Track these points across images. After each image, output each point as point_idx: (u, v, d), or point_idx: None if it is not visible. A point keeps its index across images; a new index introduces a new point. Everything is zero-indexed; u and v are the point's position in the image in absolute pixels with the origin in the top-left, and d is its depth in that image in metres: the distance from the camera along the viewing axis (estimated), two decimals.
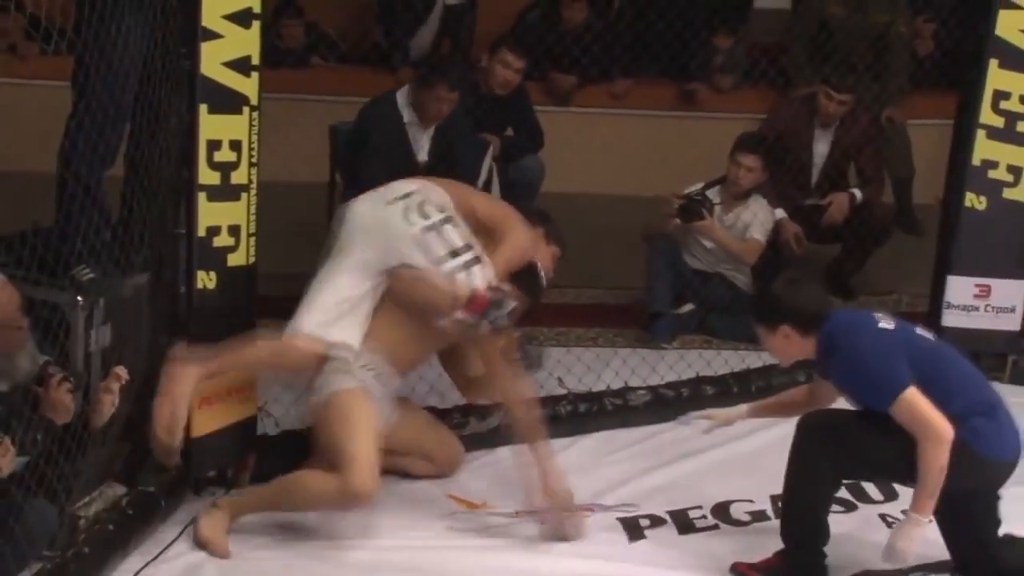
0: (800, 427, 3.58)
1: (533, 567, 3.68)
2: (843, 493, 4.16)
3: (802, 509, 3.60)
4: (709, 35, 7.20)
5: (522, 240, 4.04)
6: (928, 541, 3.58)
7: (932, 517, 3.47)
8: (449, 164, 5.44)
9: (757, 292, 3.81)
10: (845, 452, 3.51)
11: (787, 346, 3.59)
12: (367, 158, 5.24)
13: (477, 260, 3.90)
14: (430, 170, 5.26)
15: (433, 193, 4.02)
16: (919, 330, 3.63)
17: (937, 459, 3.39)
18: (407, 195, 3.98)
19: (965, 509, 3.55)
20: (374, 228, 3.89)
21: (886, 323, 3.55)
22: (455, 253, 3.89)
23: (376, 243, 3.87)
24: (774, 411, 3.99)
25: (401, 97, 5.33)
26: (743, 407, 4.00)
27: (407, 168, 5.23)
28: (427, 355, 4.12)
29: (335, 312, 3.81)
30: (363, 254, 3.86)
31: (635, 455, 4.44)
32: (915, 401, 3.40)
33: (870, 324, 3.54)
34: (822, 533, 3.61)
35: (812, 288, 3.68)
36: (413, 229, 3.87)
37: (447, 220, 3.94)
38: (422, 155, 5.33)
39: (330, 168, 5.62)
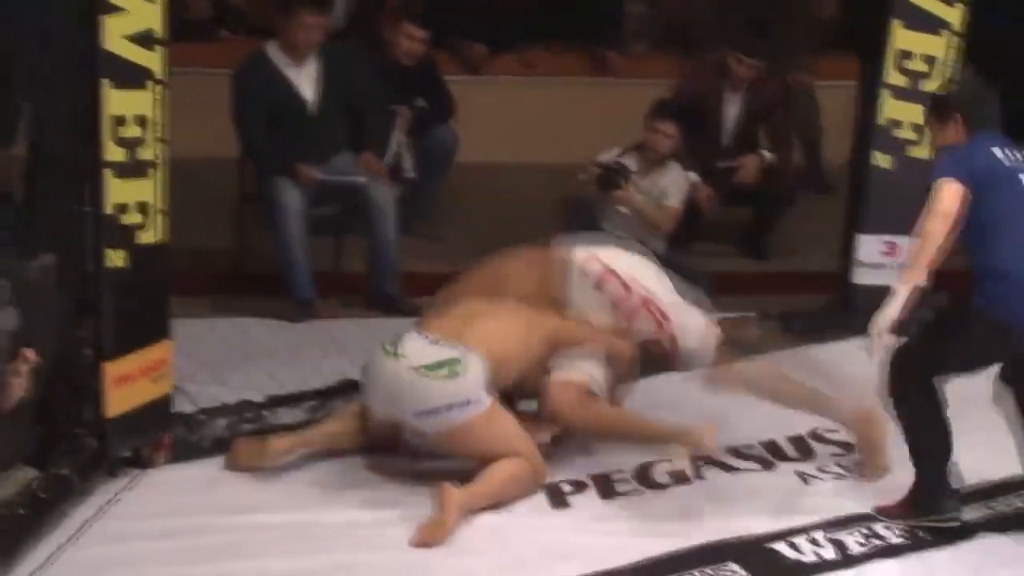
0: (889, 370, 3.71)
1: (465, 536, 3.67)
2: (761, 452, 4.24)
3: (920, 441, 3.72)
4: (620, 1, 7.22)
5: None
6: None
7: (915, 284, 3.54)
8: (357, 138, 5.44)
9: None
10: (929, 372, 3.67)
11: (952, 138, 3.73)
12: (246, 111, 5.22)
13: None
14: (322, 113, 5.26)
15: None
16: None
17: (930, 225, 3.53)
18: None
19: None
20: None
21: (1007, 152, 3.67)
22: None
23: None
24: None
25: (271, 48, 5.30)
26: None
27: (293, 109, 5.23)
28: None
29: None
30: None
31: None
32: (945, 188, 3.54)
33: (987, 139, 3.69)
34: (945, 453, 3.72)
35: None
36: None
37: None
38: (306, 93, 5.30)
39: (240, 142, 5.56)
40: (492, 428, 3.77)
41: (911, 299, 3.53)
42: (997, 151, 3.67)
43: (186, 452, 4.02)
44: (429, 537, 3.58)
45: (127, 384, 3.80)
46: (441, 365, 3.73)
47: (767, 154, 6.09)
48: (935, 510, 3.74)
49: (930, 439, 3.73)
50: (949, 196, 3.55)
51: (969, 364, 3.69)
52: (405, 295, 5.30)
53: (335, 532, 3.65)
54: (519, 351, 3.90)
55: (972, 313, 3.60)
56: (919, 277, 3.54)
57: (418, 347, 3.80)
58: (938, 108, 3.82)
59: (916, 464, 3.76)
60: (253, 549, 3.54)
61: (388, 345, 3.84)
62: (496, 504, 3.74)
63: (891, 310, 3.52)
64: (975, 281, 3.59)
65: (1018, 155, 3.68)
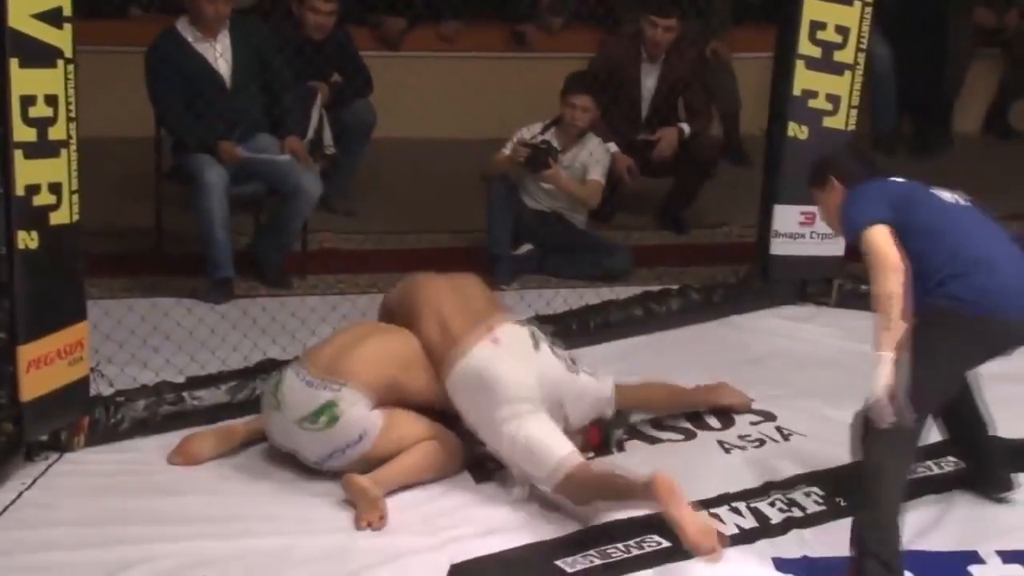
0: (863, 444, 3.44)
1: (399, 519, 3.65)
2: (682, 422, 4.28)
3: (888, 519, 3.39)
4: None
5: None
6: None
7: (895, 353, 3.32)
8: (275, 119, 5.39)
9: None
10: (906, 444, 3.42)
11: (834, 199, 3.66)
12: (162, 89, 5.17)
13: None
14: (238, 88, 5.21)
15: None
16: (940, 191, 3.62)
17: (884, 286, 3.36)
18: None
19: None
20: None
21: (901, 178, 3.67)
22: None
23: None
24: None
25: (181, 24, 5.25)
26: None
27: (210, 85, 5.18)
28: None
29: None
30: None
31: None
32: (874, 236, 3.44)
33: (881, 180, 3.66)
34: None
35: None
36: None
37: None
38: (221, 68, 5.26)
39: (156, 121, 5.50)
40: (395, 438, 3.75)
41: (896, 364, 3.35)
42: (894, 179, 3.67)
43: (105, 435, 3.97)
44: (371, 516, 3.57)
45: (43, 367, 3.73)
46: (318, 414, 3.69)
47: (685, 127, 6.13)
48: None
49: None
50: (884, 243, 3.43)
51: (944, 387, 3.53)
52: (320, 271, 5.41)
53: (260, 514, 3.63)
54: (409, 368, 3.82)
55: (940, 325, 3.40)
56: (896, 341, 3.34)
57: (295, 393, 3.75)
58: (815, 177, 3.75)
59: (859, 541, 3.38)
60: (175, 532, 3.51)
61: (271, 394, 3.84)
62: (411, 483, 3.74)
63: (882, 377, 3.31)
64: (928, 300, 3.42)
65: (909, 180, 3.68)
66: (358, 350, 3.80)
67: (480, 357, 3.76)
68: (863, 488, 3.40)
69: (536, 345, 3.86)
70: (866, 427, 3.39)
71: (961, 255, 3.46)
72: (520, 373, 3.75)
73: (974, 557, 3.53)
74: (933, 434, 3.83)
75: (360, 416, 3.71)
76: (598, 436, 4.03)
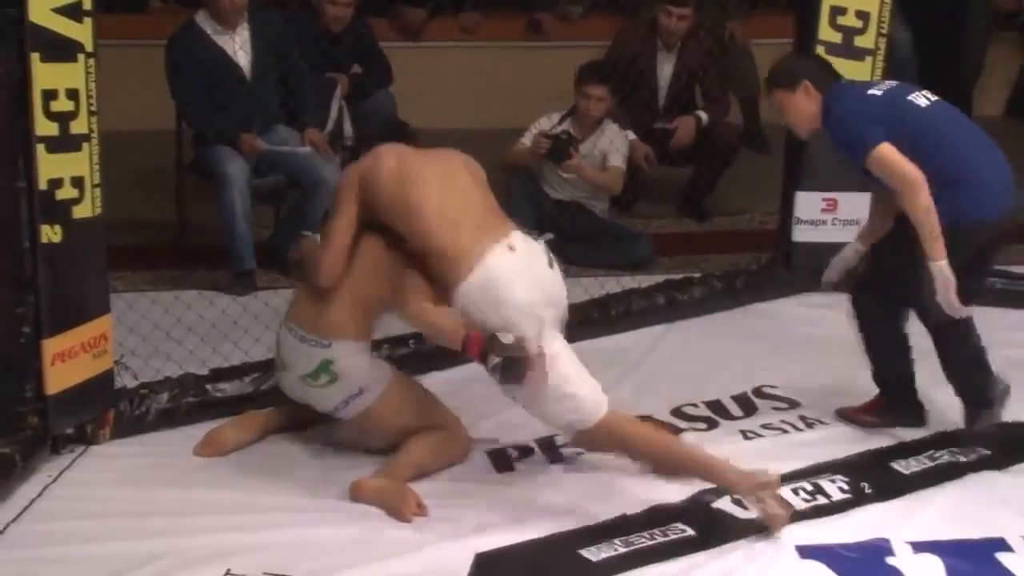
0: (853, 303, 4.01)
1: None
2: (704, 411, 4.27)
3: (887, 363, 4.03)
4: None
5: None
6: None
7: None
8: (293, 111, 5.40)
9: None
10: (893, 303, 3.95)
11: (806, 104, 3.87)
12: (183, 82, 5.18)
13: None
14: (257, 80, 5.22)
15: None
16: (913, 96, 3.85)
17: (918, 202, 3.67)
18: None
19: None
20: None
21: (876, 89, 3.87)
22: None
23: None
24: (873, 235, 4.11)
25: (200, 16, 5.27)
26: (855, 244, 4.14)
27: (230, 77, 5.19)
28: None
29: None
30: None
31: (496, 388, 4.44)
32: (885, 154, 3.70)
33: (856, 90, 3.89)
34: (909, 376, 4.06)
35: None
36: None
37: None
38: (240, 60, 5.28)
39: (177, 114, 5.51)
40: (399, 404, 3.76)
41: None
42: (871, 91, 3.86)
43: (130, 427, 3.99)
44: (408, 504, 3.57)
45: (67, 361, 3.75)
46: (318, 373, 3.71)
47: (703, 115, 6.11)
48: (901, 422, 4.07)
49: (899, 366, 4.04)
50: (899, 160, 3.71)
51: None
52: None
53: (285, 505, 3.64)
54: (389, 278, 3.68)
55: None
56: (943, 247, 3.68)
57: (292, 352, 3.76)
58: (784, 79, 3.91)
59: (882, 387, 4.08)
60: (201, 523, 3.52)
61: (277, 355, 3.87)
62: (420, 475, 3.73)
63: (949, 278, 3.70)
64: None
65: (884, 84, 3.93)
66: (335, 300, 3.70)
67: (497, 265, 3.54)
68: (972, 367, 3.95)
69: (550, 263, 3.70)
70: (953, 325, 3.83)
71: (949, 166, 3.73)
72: (533, 285, 3.58)
73: (1001, 544, 3.51)
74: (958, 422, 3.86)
75: (359, 370, 3.72)
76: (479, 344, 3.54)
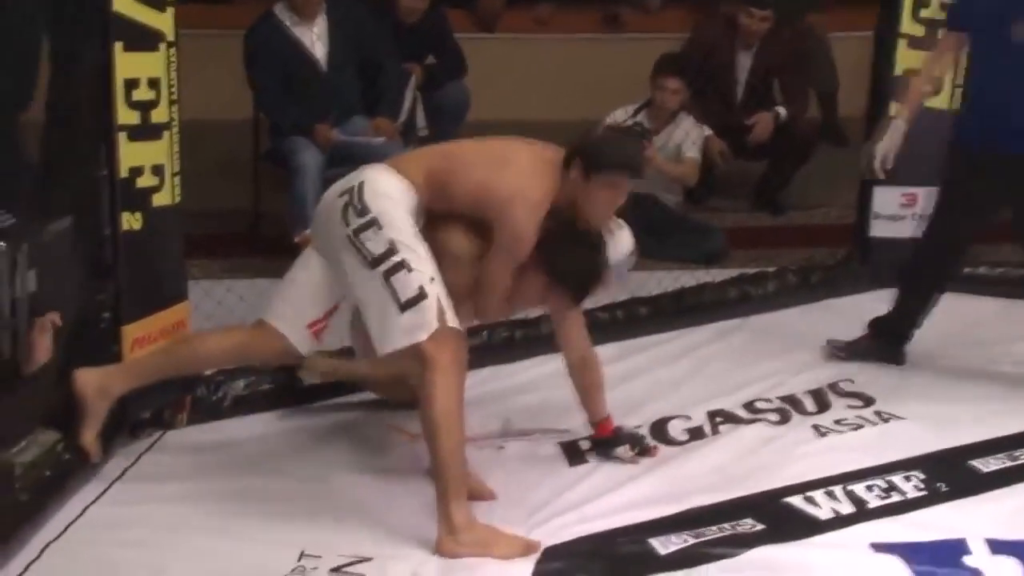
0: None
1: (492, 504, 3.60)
2: (777, 404, 4.24)
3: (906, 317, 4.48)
4: None
5: (508, 238, 3.43)
6: None
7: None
8: (369, 98, 5.44)
9: None
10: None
11: None
12: (260, 72, 5.23)
13: (401, 266, 3.37)
14: (334, 71, 5.26)
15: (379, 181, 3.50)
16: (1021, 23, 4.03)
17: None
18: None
19: None
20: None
21: None
22: (375, 262, 3.38)
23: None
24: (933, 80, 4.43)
25: (279, 8, 5.32)
26: (899, 122, 4.27)
27: (306, 69, 5.23)
28: None
29: None
30: None
31: (571, 378, 4.44)
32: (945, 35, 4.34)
33: None
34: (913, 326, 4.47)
35: None
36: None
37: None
38: (317, 52, 5.32)
39: (254, 104, 5.57)
40: None
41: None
42: None
43: (206, 413, 4.04)
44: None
45: (146, 346, 3.81)
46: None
47: (781, 111, 6.06)
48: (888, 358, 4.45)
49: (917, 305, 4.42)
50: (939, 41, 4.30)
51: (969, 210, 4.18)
52: None
53: (359, 493, 3.65)
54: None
55: (954, 155, 4.19)
56: (907, 108, 4.24)
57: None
58: None
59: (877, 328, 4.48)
60: (273, 509, 3.56)
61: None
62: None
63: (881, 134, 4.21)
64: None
65: None
66: None
67: None
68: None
69: None
70: None
71: (986, 91, 4.08)
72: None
73: None
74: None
75: None
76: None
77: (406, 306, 3.31)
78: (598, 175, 3.47)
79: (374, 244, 3.36)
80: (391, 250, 3.35)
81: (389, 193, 3.44)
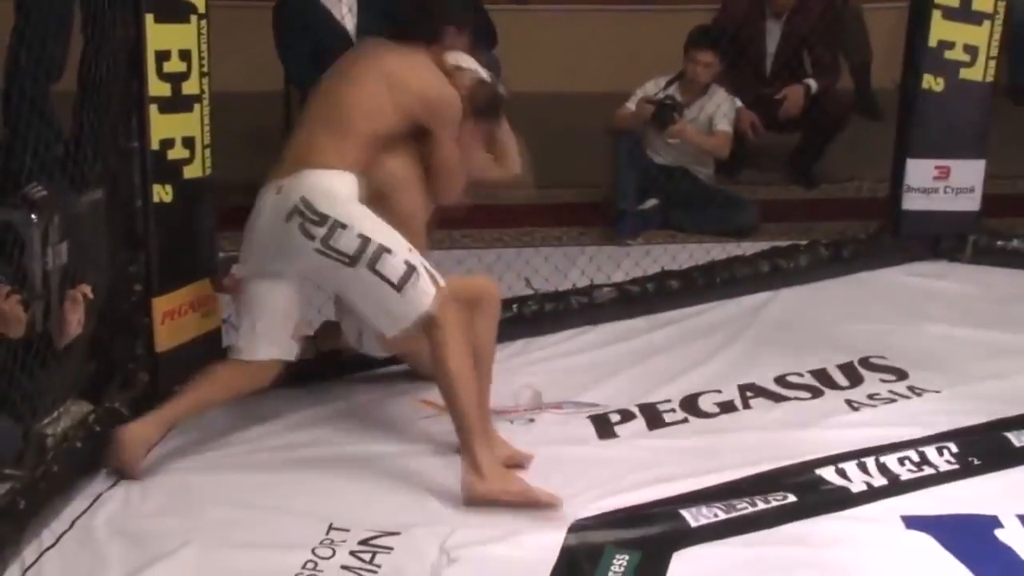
0: None
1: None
2: (809, 380, 4.22)
3: None
4: None
5: (446, 114, 3.75)
6: None
7: None
8: None
9: None
10: None
11: None
12: (290, 44, 5.22)
13: (380, 251, 3.49)
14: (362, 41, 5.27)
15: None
16: None
17: None
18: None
19: None
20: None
21: None
22: (354, 259, 3.49)
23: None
24: None
25: None
26: None
27: (335, 38, 5.23)
28: None
29: None
30: None
31: (602, 352, 4.44)
32: None
33: None
34: None
35: None
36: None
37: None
38: (347, 23, 5.33)
39: (284, 75, 5.56)
40: None
41: None
42: None
43: None
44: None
45: (176, 319, 3.82)
46: None
47: (812, 83, 6.00)
48: None
49: None
50: None
51: None
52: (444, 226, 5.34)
53: (388, 466, 3.65)
54: None
55: None
56: None
57: None
58: None
59: None
60: (303, 481, 3.57)
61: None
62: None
63: None
64: None
65: None
66: None
67: None
68: None
69: None
70: None
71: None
72: None
73: None
74: None
75: None
76: None
77: (401, 285, 3.46)
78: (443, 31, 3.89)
79: (346, 244, 3.48)
80: (364, 241, 3.48)
81: (332, 191, 3.56)
